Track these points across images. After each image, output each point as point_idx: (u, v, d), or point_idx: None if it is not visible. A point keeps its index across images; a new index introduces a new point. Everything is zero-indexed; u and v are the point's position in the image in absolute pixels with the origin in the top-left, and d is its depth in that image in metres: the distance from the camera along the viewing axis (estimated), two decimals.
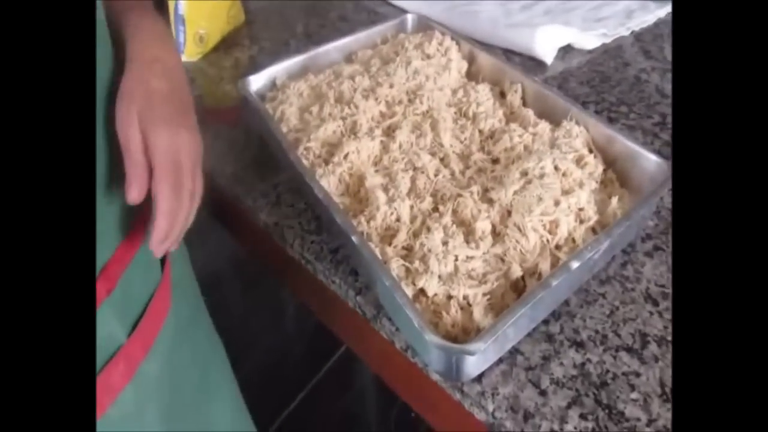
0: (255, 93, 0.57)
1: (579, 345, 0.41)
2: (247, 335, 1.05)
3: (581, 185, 0.47)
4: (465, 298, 0.40)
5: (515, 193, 0.45)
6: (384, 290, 0.41)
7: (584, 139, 0.52)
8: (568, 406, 0.38)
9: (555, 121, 0.54)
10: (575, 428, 0.36)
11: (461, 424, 0.40)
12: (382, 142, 0.51)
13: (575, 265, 0.40)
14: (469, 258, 0.42)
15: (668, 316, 0.43)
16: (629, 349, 0.41)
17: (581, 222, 0.45)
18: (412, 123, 0.53)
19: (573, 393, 0.38)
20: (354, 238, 0.41)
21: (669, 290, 0.45)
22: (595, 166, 0.50)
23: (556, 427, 0.36)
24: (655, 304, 0.44)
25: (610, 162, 0.52)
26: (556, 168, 0.47)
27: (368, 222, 0.45)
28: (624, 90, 0.66)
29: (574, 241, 0.44)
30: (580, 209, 0.46)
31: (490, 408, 0.37)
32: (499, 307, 0.40)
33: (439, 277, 0.41)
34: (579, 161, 0.50)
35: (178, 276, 0.44)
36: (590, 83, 0.67)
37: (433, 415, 0.45)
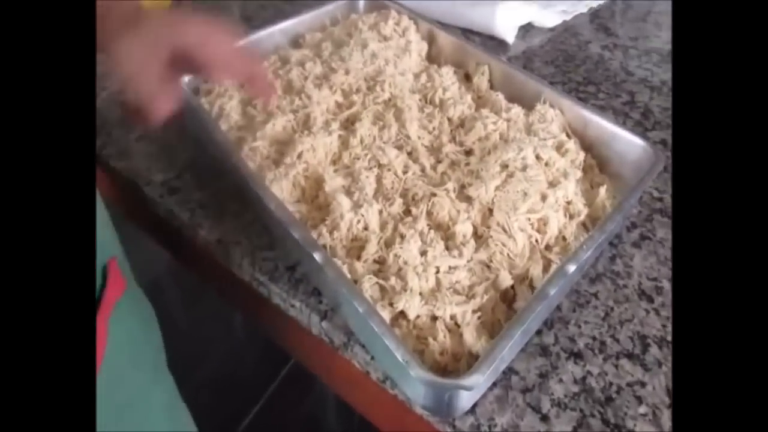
0: (187, 85, 0.48)
1: (577, 356, 0.37)
2: (196, 347, 0.99)
3: (566, 175, 0.42)
4: (452, 318, 0.34)
5: (497, 188, 0.40)
6: (355, 316, 0.34)
7: (560, 123, 0.48)
8: (574, 431, 0.33)
9: (526, 105, 0.49)
10: None
11: None
12: (340, 136, 0.44)
13: (572, 269, 0.35)
14: (452, 269, 0.36)
15: (665, 313, 0.40)
16: (630, 356, 0.37)
17: (570, 217, 0.40)
18: (373, 113, 0.45)
19: (577, 414, 0.34)
20: (316, 256, 0.34)
21: (662, 284, 0.42)
22: (576, 152, 0.45)
23: None
24: (650, 300, 0.41)
25: (586, 147, 0.47)
26: (537, 158, 0.42)
27: (331, 233, 0.38)
28: (589, 69, 0.62)
29: (564, 239, 0.39)
30: (568, 202, 0.41)
31: None
32: (490, 324, 0.35)
33: (420, 294, 0.34)
34: (559, 148, 0.45)
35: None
36: (555, 63, 0.63)
37: None
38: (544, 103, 0.48)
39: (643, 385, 0.35)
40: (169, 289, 1.14)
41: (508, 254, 0.38)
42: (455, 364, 0.33)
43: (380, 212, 0.39)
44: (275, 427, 0.90)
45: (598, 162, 0.47)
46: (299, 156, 0.41)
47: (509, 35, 0.65)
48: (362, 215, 0.38)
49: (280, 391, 0.94)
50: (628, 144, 0.45)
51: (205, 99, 0.46)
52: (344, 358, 0.37)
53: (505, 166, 0.41)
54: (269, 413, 0.90)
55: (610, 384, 0.35)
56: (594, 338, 0.38)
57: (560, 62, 0.63)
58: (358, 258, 0.37)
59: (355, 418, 0.87)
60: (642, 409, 0.34)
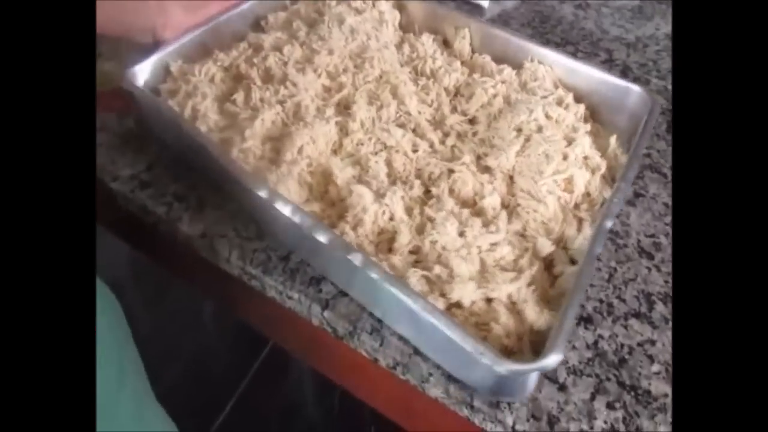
0: (145, 87, 0.41)
1: (587, 321, 0.36)
2: (165, 343, 0.96)
3: (576, 131, 0.41)
4: (509, 297, 0.32)
5: (518, 154, 0.37)
6: (405, 314, 0.31)
7: (552, 79, 0.46)
8: (593, 398, 0.32)
9: (512, 64, 0.47)
10: (606, 422, 0.31)
11: None
12: (338, 123, 0.39)
13: (609, 224, 0.33)
14: (493, 245, 0.34)
15: (666, 269, 0.39)
16: (638, 315, 0.36)
17: (592, 172, 0.39)
18: (367, 93, 0.41)
19: (594, 380, 0.33)
20: (354, 259, 0.30)
21: (660, 240, 0.41)
22: (576, 106, 0.44)
23: (585, 426, 0.30)
24: (650, 257, 0.40)
25: (578, 99, 0.46)
26: (547, 117, 0.40)
27: (355, 229, 0.34)
28: (565, 29, 0.61)
29: (588, 195, 0.38)
30: (585, 158, 0.39)
31: (510, 421, 0.30)
32: (542, 296, 0.33)
33: (470, 279, 0.32)
34: (559, 104, 0.43)
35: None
36: (531, 25, 0.62)
37: (417, 424, 0.38)
38: (532, 60, 0.47)
39: (653, 343, 0.35)
40: (131, 288, 1.07)
41: (541, 220, 0.36)
42: (519, 344, 0.31)
43: (402, 198, 0.36)
44: (254, 417, 0.89)
45: (591, 113, 0.46)
46: (299, 151, 0.37)
47: (484, 1, 0.62)
48: (386, 205, 0.34)
49: (257, 380, 0.93)
50: (622, 91, 0.44)
51: (172, 101, 0.40)
52: (347, 347, 0.35)
53: (519, 130, 0.39)
54: (247, 403, 0.89)
55: (622, 345, 0.35)
56: (601, 301, 0.37)
57: (536, 24, 0.62)
58: (390, 251, 0.34)
59: (335, 401, 0.87)
60: (655, 368, 0.34)
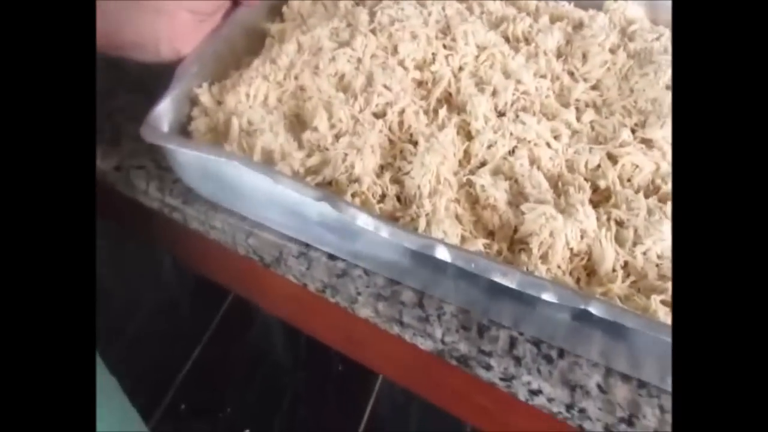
0: (170, 128, 0.29)
1: None
2: (123, 302, 0.94)
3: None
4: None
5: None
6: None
7: (644, 17, 0.39)
8: None
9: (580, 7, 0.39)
10: None
11: (401, 359, 0.35)
12: (455, 125, 0.30)
13: None
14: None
15: None
16: None
17: None
18: (471, 79, 0.32)
19: None
20: (594, 308, 0.22)
21: None
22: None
23: (515, 333, 0.28)
24: None
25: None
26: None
27: (545, 261, 0.26)
28: None
29: None
30: None
31: (438, 334, 0.28)
32: None
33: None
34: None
35: None
36: None
37: (362, 352, 0.38)
38: None
39: None
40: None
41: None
42: None
43: (581, 203, 0.28)
44: (219, 367, 0.88)
45: None
46: (436, 176, 0.28)
47: None
48: (580, 222, 0.26)
49: (221, 328, 0.92)
50: None
51: (229, 146, 0.28)
52: (277, 275, 0.32)
53: (668, 87, 0.32)
54: (211, 353, 0.89)
55: None
56: None
57: None
58: (589, 276, 0.27)
59: (302, 346, 0.89)
60: None
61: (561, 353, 0.27)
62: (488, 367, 0.27)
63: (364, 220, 0.24)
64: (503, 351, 0.27)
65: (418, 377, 0.36)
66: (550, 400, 0.27)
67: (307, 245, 0.30)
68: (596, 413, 0.26)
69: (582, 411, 0.26)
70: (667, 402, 0.26)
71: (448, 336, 0.28)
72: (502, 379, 0.28)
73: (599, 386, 0.27)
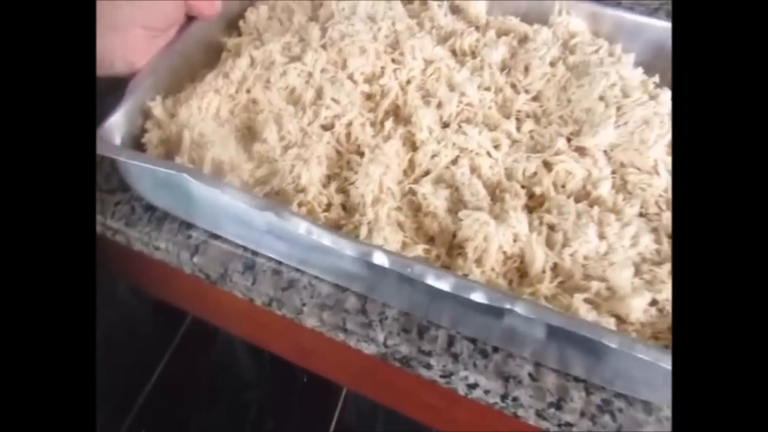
0: (123, 144, 0.30)
1: None
2: None
3: (647, 85, 0.37)
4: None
5: (617, 127, 0.33)
6: (587, 352, 0.26)
7: (586, 30, 0.42)
8: None
9: (534, 21, 0.42)
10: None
11: (349, 365, 0.36)
12: (401, 136, 0.32)
13: None
14: (634, 238, 0.30)
15: None
16: None
17: None
18: (417, 91, 0.34)
19: None
20: (520, 307, 0.24)
21: None
22: (627, 55, 0.40)
23: (453, 332, 0.30)
24: None
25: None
26: (621, 77, 0.36)
27: (479, 264, 0.28)
28: None
29: None
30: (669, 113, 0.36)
31: (381, 338, 0.30)
32: None
33: (634, 287, 0.28)
34: (612, 57, 0.39)
35: None
36: None
37: (313, 361, 0.39)
38: (560, 13, 0.42)
39: None
40: None
41: (659, 193, 0.32)
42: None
43: (514, 209, 0.30)
44: (182, 386, 0.88)
45: None
46: (380, 186, 0.29)
47: None
48: (513, 227, 0.28)
49: (183, 347, 0.92)
50: (661, 32, 0.41)
51: (180, 158, 0.30)
52: (223, 291, 0.33)
53: (602, 98, 0.34)
54: (174, 372, 0.89)
55: None
56: None
57: None
58: (522, 278, 0.29)
59: (265, 356, 0.89)
60: None
61: (496, 348, 0.29)
62: (428, 366, 0.29)
63: (305, 228, 0.25)
64: (442, 349, 0.29)
65: (367, 381, 0.38)
66: (486, 392, 0.29)
67: (253, 259, 0.31)
68: (528, 401, 0.28)
69: (515, 399, 0.28)
70: (592, 386, 0.28)
71: (390, 339, 0.29)
72: (441, 376, 0.29)
73: (530, 375, 0.29)
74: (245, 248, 0.32)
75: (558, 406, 0.28)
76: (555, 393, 0.28)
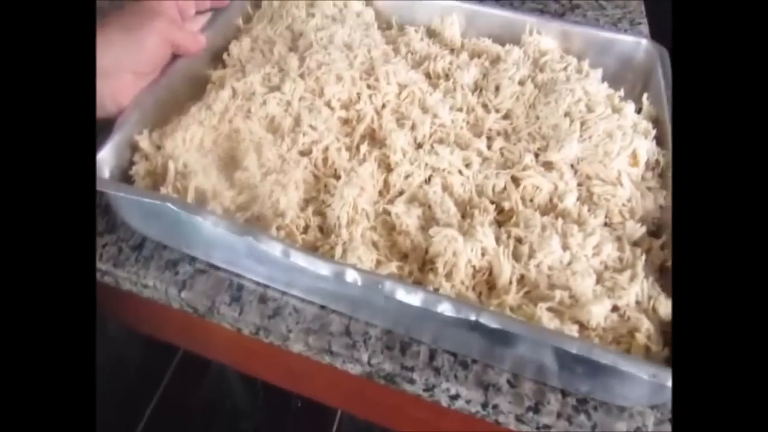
0: (112, 178, 0.32)
1: None
2: None
3: (613, 99, 0.39)
4: (638, 300, 0.30)
5: (582, 141, 0.35)
6: (547, 357, 0.28)
7: (557, 48, 0.44)
8: None
9: (507, 42, 0.44)
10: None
11: (338, 386, 0.37)
12: (376, 158, 0.34)
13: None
14: (596, 248, 0.31)
15: None
16: None
17: (645, 137, 0.37)
18: (393, 115, 0.36)
19: None
20: (487, 318, 0.26)
21: None
22: (595, 71, 0.42)
23: (435, 346, 0.31)
24: None
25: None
26: (585, 93, 0.38)
27: (449, 279, 0.30)
28: None
29: (647, 161, 0.37)
30: (634, 125, 0.38)
31: (365, 357, 0.31)
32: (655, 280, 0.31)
33: (596, 294, 0.29)
34: (579, 73, 0.41)
35: None
36: None
37: (303, 385, 0.40)
38: (532, 33, 0.44)
39: None
40: None
41: (622, 203, 0.34)
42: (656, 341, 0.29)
43: (481, 224, 0.32)
44: (176, 419, 0.88)
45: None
46: (353, 207, 0.31)
47: None
48: (480, 241, 0.30)
49: (175, 380, 0.92)
50: (629, 46, 0.43)
51: (164, 189, 0.32)
52: (212, 324, 0.34)
53: (567, 114, 0.36)
54: (168, 405, 0.88)
55: None
56: None
57: None
58: (491, 290, 0.30)
59: (259, 390, 0.89)
60: None
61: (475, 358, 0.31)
62: (411, 381, 0.30)
63: (281, 251, 0.27)
64: (424, 364, 0.30)
65: (356, 401, 0.39)
66: (467, 401, 0.30)
67: (240, 289, 0.33)
68: (507, 407, 0.29)
69: (495, 407, 0.30)
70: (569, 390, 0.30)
71: (374, 358, 0.31)
72: (425, 390, 0.31)
73: (509, 382, 0.30)
74: (231, 281, 0.33)
75: (536, 410, 0.29)
76: (533, 397, 0.30)
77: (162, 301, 0.34)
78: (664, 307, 0.29)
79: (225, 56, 0.41)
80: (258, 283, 0.33)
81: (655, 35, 0.53)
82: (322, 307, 0.32)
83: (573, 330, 0.28)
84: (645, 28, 0.55)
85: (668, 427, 0.29)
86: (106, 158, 0.32)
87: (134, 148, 0.34)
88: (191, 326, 0.38)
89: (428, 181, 0.34)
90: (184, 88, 0.37)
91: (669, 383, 0.25)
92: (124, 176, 0.33)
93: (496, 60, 0.42)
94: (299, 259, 0.27)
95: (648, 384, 0.26)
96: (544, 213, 0.33)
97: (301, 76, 0.36)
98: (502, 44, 0.44)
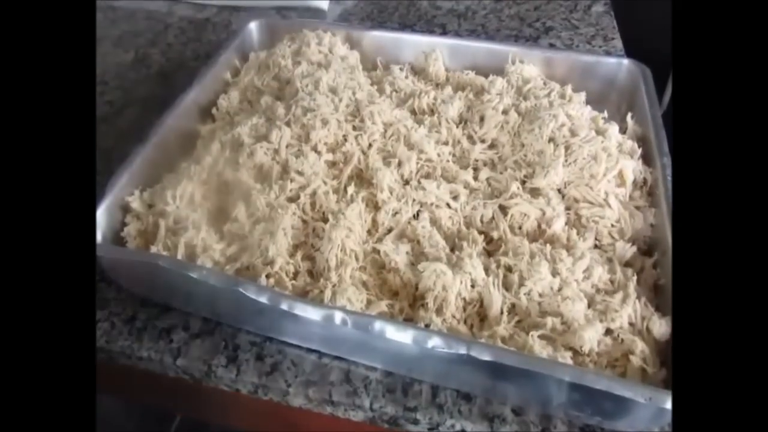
0: (104, 240, 0.35)
1: None
2: None
3: (597, 121, 0.42)
4: (631, 322, 0.31)
5: (564, 165, 0.37)
6: (543, 386, 0.29)
7: (539, 75, 0.47)
8: None
9: (490, 72, 0.47)
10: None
11: None
12: (363, 198, 0.37)
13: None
14: (587, 272, 0.33)
15: None
16: None
17: (631, 157, 0.40)
18: (379, 154, 0.40)
19: None
20: (480, 353, 0.28)
21: None
22: (578, 95, 0.45)
23: (437, 384, 0.32)
24: None
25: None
26: (568, 117, 0.41)
27: (440, 314, 0.32)
28: (402, 13, 0.67)
29: (634, 181, 0.39)
30: (619, 145, 0.40)
31: (367, 403, 0.32)
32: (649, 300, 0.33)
33: (588, 319, 0.31)
34: (563, 98, 0.44)
35: None
36: (370, 17, 0.67)
37: None
38: (514, 62, 0.47)
39: None
40: None
41: (611, 224, 0.36)
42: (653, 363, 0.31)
43: (470, 256, 0.34)
44: None
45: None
46: (342, 248, 0.34)
47: (323, 3, 0.67)
48: (469, 273, 0.32)
49: None
50: (611, 67, 0.46)
51: (154, 247, 0.35)
52: (209, 387, 0.35)
53: (551, 140, 0.39)
54: None
55: None
56: None
57: (375, 15, 0.67)
58: (482, 321, 0.32)
59: None
60: None
61: None
62: (415, 422, 0.32)
63: (269, 299, 0.30)
64: (427, 402, 0.32)
65: None
66: None
67: (235, 350, 0.34)
68: None
69: None
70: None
71: (375, 402, 0.32)
72: (429, 429, 0.32)
73: (514, 411, 0.32)
74: (226, 342, 0.34)
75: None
76: (539, 424, 0.31)
77: (157, 371, 0.35)
78: (658, 327, 0.31)
79: (214, 111, 0.45)
80: (254, 343, 0.34)
81: (629, 48, 0.56)
82: (321, 356, 0.33)
83: (566, 357, 0.30)
84: (618, 42, 0.58)
85: None
86: (98, 221, 0.35)
87: (126, 209, 0.37)
88: (188, 392, 0.38)
89: (416, 216, 0.37)
90: (175, 145, 0.41)
91: (667, 405, 0.26)
92: (116, 238, 0.36)
93: (480, 91, 0.46)
94: (286, 305, 0.30)
95: (645, 407, 0.27)
96: (533, 240, 0.36)
97: (288, 123, 0.40)
98: (486, 75, 0.47)
